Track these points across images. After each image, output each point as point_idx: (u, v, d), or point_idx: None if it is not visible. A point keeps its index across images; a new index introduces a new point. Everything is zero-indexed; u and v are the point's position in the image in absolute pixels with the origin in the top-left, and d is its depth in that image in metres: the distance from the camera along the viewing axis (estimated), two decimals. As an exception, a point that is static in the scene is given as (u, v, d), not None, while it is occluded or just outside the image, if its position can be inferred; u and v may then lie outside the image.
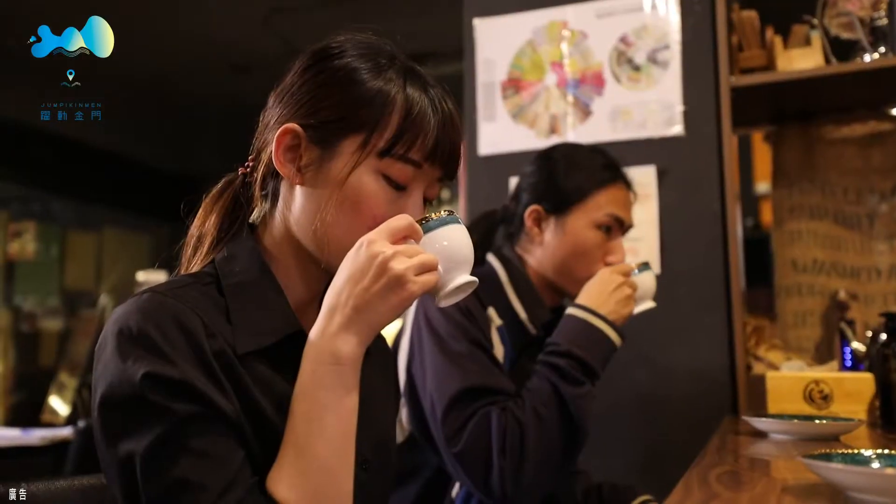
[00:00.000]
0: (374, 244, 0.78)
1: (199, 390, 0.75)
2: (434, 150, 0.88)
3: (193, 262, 0.94)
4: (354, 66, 0.88)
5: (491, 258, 1.53)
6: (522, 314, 1.46)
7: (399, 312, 0.79)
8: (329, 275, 0.84)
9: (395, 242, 0.80)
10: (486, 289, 1.42)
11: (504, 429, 1.25)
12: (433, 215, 0.85)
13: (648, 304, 1.48)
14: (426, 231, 0.83)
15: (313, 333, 0.80)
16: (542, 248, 1.49)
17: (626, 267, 1.42)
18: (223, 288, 0.86)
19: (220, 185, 0.97)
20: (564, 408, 1.27)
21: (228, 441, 0.77)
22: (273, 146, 0.87)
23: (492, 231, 1.63)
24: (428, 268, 0.79)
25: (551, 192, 1.49)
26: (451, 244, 0.84)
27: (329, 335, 0.79)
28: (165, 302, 0.79)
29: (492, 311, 1.42)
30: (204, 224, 0.95)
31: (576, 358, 1.30)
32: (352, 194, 0.85)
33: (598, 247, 1.46)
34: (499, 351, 1.39)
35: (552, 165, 1.51)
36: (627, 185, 1.52)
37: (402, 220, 0.81)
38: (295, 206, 0.89)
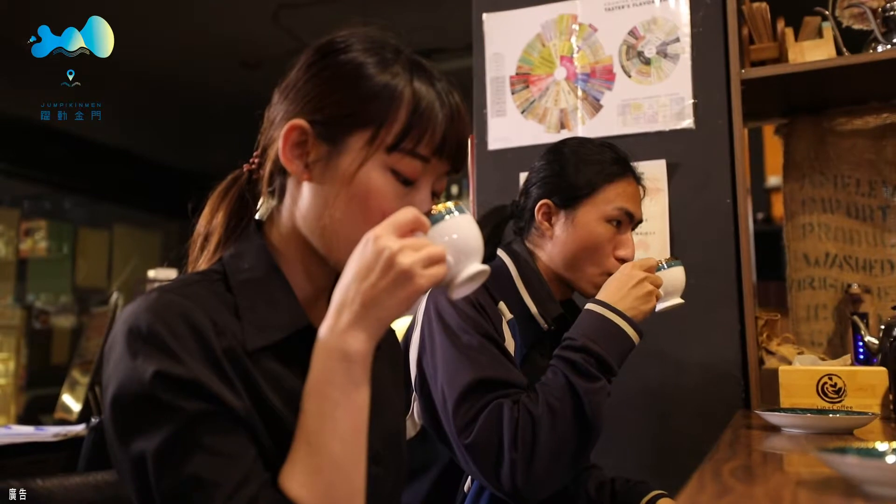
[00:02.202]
0: (380, 239, 0.77)
1: (209, 388, 0.75)
2: (442, 144, 0.87)
3: (200, 259, 0.94)
4: (360, 60, 0.88)
5: (501, 253, 1.53)
6: (533, 308, 1.46)
7: (408, 307, 0.78)
8: (337, 271, 0.83)
9: (401, 236, 0.78)
10: (496, 283, 1.41)
11: (516, 421, 1.24)
12: (439, 207, 0.84)
13: (674, 301, 1.46)
14: (433, 223, 0.82)
15: (322, 331, 0.80)
16: (552, 242, 1.49)
17: (648, 262, 1.41)
18: (231, 285, 0.86)
19: (225, 183, 0.96)
20: (578, 402, 1.26)
21: (240, 438, 0.77)
22: (280, 143, 0.87)
23: (501, 226, 1.63)
24: (435, 260, 0.78)
25: (561, 187, 1.49)
26: (459, 235, 0.83)
27: (338, 332, 0.78)
28: (174, 300, 0.79)
29: (502, 306, 1.42)
30: (210, 222, 0.94)
31: (591, 353, 1.29)
32: (360, 190, 0.85)
33: (607, 241, 1.46)
34: (510, 345, 1.39)
35: (562, 160, 1.51)
36: (637, 179, 1.52)
37: (407, 214, 0.80)
38: (302, 202, 0.88)
